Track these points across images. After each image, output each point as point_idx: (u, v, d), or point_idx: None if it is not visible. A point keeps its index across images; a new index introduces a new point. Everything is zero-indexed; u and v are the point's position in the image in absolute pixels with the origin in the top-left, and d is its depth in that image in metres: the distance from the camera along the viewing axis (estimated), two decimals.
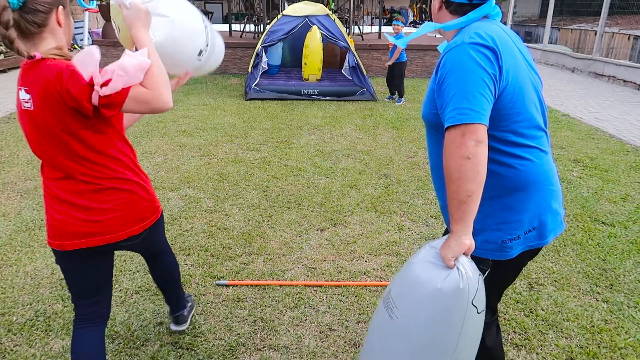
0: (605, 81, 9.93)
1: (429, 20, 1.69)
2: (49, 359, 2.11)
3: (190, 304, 2.30)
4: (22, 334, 2.25)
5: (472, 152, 1.26)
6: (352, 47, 7.69)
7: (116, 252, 2.95)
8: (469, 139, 1.26)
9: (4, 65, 9.23)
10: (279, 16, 7.65)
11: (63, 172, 1.51)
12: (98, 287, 1.71)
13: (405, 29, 14.77)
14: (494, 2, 1.47)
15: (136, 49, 1.51)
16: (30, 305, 2.46)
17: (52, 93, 1.37)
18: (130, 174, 1.61)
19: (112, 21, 1.75)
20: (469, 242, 1.33)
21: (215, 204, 3.69)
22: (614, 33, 14.89)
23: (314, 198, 3.84)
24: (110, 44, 9.35)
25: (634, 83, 9.07)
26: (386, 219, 3.53)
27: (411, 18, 18.13)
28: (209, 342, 2.23)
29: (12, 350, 2.15)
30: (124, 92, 1.40)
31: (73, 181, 1.52)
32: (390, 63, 7.19)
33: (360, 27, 10.80)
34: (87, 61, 1.39)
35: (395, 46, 7.00)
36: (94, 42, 10.83)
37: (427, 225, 3.43)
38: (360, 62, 7.61)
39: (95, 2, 12.08)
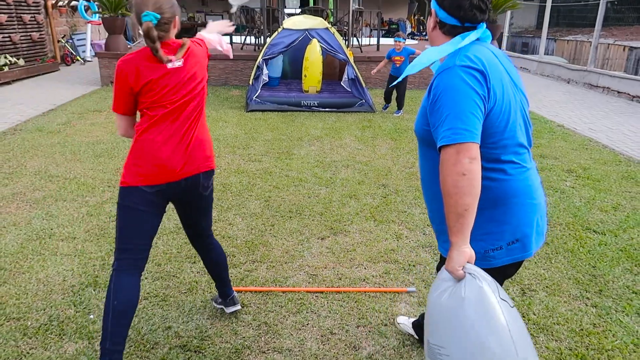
0: (599, 92, 10.10)
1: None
2: None
3: None
4: (37, 338, 2.35)
5: (467, 168, 1.38)
6: (351, 60, 7.85)
7: None
8: (463, 157, 1.38)
9: (9, 77, 9.38)
10: (280, 29, 7.82)
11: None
12: (153, 235, 2.12)
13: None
14: (485, 25, 1.60)
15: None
16: (44, 310, 2.57)
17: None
18: None
19: None
20: (469, 250, 1.45)
21: (219, 214, 3.80)
22: (609, 44, 15.12)
23: (315, 208, 3.96)
24: (112, 56, 9.51)
25: (628, 94, 9.24)
26: (384, 227, 3.65)
27: (409, 30, 18.37)
28: (216, 345, 2.34)
29: (28, 353, 2.26)
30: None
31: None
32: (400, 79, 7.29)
33: (359, 39, 10.99)
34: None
35: (404, 62, 7.10)
36: (96, 54, 10.99)
37: (424, 234, 3.55)
38: (359, 74, 7.77)
39: (97, 15, 12.30)
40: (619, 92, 9.52)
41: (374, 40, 11.54)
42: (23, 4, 10.53)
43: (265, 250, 3.26)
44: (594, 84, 10.38)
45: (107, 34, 10.04)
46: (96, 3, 11.67)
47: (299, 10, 12.60)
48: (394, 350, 2.34)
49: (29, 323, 2.46)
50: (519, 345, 1.37)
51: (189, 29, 17.39)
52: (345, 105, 7.64)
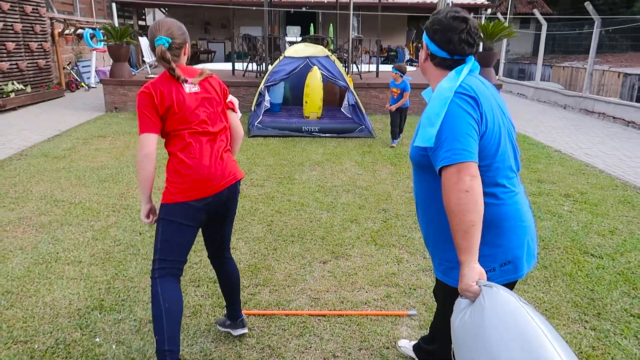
0: (595, 118, 10.26)
1: None
2: None
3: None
4: None
5: (469, 185, 1.45)
6: (351, 86, 8.02)
7: (128, 283, 3.12)
8: (465, 175, 1.46)
9: (15, 103, 9.55)
10: (281, 57, 8.01)
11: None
12: (190, 248, 2.26)
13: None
14: (473, 58, 1.71)
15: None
16: (51, 333, 2.60)
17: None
18: None
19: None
20: (479, 266, 1.49)
21: None
22: (604, 71, 15.41)
23: (317, 232, 4.02)
24: (116, 83, 9.69)
25: (623, 119, 9.39)
26: (385, 251, 3.71)
27: (407, 56, 18.70)
28: None
29: None
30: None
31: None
32: (393, 108, 7.12)
33: (359, 66, 11.21)
34: None
35: (401, 93, 7.03)
36: (100, 81, 11.19)
37: (424, 258, 3.61)
38: (359, 100, 7.92)
39: (103, 42, 12.57)
40: (614, 118, 9.68)
41: (373, 67, 11.77)
42: (31, 32, 10.78)
43: (268, 274, 3.31)
44: (590, 110, 10.55)
45: (111, 61, 10.25)
46: (102, 31, 11.96)
47: (300, 39, 12.88)
48: None
49: (36, 346, 2.50)
50: (560, 352, 1.26)
51: (191, 56, 17.72)
52: (346, 131, 7.76)
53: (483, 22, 11.15)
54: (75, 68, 13.18)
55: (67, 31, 12.77)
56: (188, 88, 2.16)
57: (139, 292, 3.03)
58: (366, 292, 3.12)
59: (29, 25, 10.70)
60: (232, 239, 3.84)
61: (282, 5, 16.45)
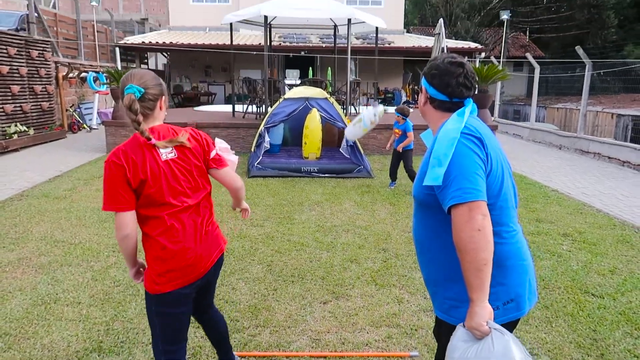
0: (591, 158, 10.39)
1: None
2: None
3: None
4: None
5: (481, 224, 1.48)
6: None
7: (127, 325, 3.10)
8: (476, 214, 1.49)
9: (17, 145, 9.66)
10: (281, 99, 8.19)
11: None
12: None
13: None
14: (472, 100, 1.78)
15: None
16: None
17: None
18: None
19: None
20: (489, 306, 1.51)
21: (222, 279, 3.85)
22: (597, 112, 15.72)
23: (317, 272, 4.02)
24: (119, 125, 9.84)
25: (618, 159, 9.51)
26: (386, 291, 3.69)
27: (404, 98, 19.09)
28: None
29: None
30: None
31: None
32: (400, 148, 7.02)
33: (357, 107, 11.43)
34: None
35: (403, 134, 7.03)
36: (102, 122, 11.38)
37: (425, 298, 3.59)
38: (357, 141, 8.04)
39: (105, 85, 12.85)
40: (609, 158, 9.81)
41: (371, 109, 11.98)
42: (36, 75, 11.04)
43: (269, 315, 3.29)
44: (585, 150, 10.70)
45: (113, 103, 10.45)
46: (105, 74, 12.25)
47: (299, 82, 13.19)
48: None
49: None
50: None
51: (192, 98, 18.07)
52: (344, 171, 7.85)
53: (477, 66, 11.47)
54: (78, 110, 13.41)
55: (71, 74, 13.07)
56: (164, 155, 1.91)
57: (138, 333, 3.01)
58: (367, 332, 3.10)
59: (34, 68, 10.96)
60: (232, 280, 3.83)
61: (281, 49, 16.92)
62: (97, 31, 17.60)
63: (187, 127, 2.06)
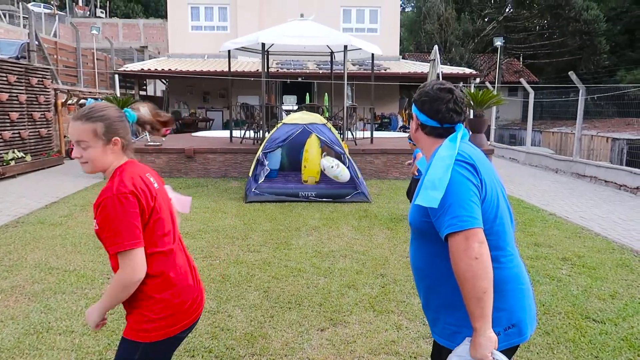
0: (587, 181, 10.42)
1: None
2: None
3: None
4: None
5: (478, 252, 1.47)
6: (347, 152, 8.19)
7: None
8: (473, 242, 1.48)
9: (15, 171, 9.65)
10: (279, 125, 8.24)
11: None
12: None
13: (394, 134, 15.65)
14: (462, 125, 1.79)
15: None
16: None
17: None
18: None
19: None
20: (494, 335, 1.48)
21: (218, 305, 3.80)
22: (592, 135, 15.84)
23: (314, 298, 3.97)
24: None
25: (615, 183, 9.54)
26: (384, 318, 3.64)
27: (400, 123, 19.23)
28: None
29: None
30: None
31: None
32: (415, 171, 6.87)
33: (354, 133, 11.50)
34: None
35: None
36: None
37: (424, 324, 3.54)
38: (354, 165, 8.06)
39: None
40: (606, 181, 9.84)
41: (368, 134, 12.07)
42: (35, 102, 11.11)
43: (265, 343, 3.23)
44: (581, 174, 10.74)
45: None
46: (104, 100, 12.31)
47: (296, 107, 13.31)
48: None
49: None
50: None
51: (190, 124, 18.17)
52: (342, 196, 7.84)
53: (472, 91, 11.60)
54: None
55: (70, 101, 13.16)
56: (155, 184, 1.84)
57: None
58: None
59: (33, 96, 11.04)
60: (228, 307, 3.78)
61: (279, 75, 17.12)
62: (97, 59, 17.83)
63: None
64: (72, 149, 1.75)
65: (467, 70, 18.66)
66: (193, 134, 15.42)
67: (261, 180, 7.88)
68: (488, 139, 14.51)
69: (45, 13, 26.92)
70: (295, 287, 4.21)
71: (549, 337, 3.36)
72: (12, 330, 3.33)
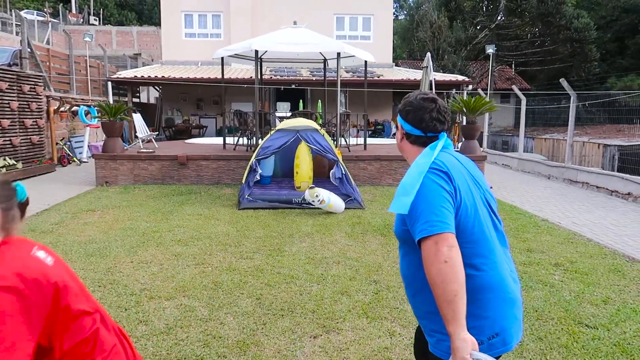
0: (579, 187, 10.48)
1: None
2: None
3: None
4: None
5: (447, 256, 1.48)
6: (340, 159, 8.19)
7: None
8: (442, 246, 1.50)
9: (6, 178, 9.56)
10: (272, 131, 8.24)
11: None
12: None
13: (388, 141, 15.70)
14: (445, 134, 1.81)
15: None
16: None
17: None
18: None
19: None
20: (470, 337, 1.48)
21: (210, 313, 3.77)
22: (584, 142, 15.96)
23: (307, 305, 3.95)
24: (108, 158, 9.81)
25: (607, 189, 9.60)
26: (377, 324, 3.62)
27: (393, 130, 19.31)
28: None
29: None
30: None
31: None
32: None
33: (347, 139, 11.52)
34: None
35: None
36: (93, 156, 11.33)
37: None
38: (348, 172, 8.07)
39: (96, 119, 12.87)
40: (597, 187, 9.90)
41: (361, 140, 12.10)
42: (27, 109, 11.05)
43: (257, 350, 3.21)
44: (574, 180, 10.81)
45: (104, 136, 10.44)
46: (96, 108, 12.29)
47: (289, 114, 13.32)
48: None
49: None
50: None
51: (183, 131, 18.15)
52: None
53: (465, 98, 11.67)
54: (68, 143, 13.38)
55: (62, 108, 13.10)
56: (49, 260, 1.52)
57: None
58: None
59: (25, 103, 10.98)
60: (220, 314, 3.75)
61: (272, 82, 17.14)
62: (90, 66, 17.78)
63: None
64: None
65: (460, 78, 18.78)
66: (186, 140, 15.39)
67: (251, 186, 7.86)
68: (481, 146, 14.58)
69: (38, 20, 26.89)
70: (288, 294, 4.19)
71: (542, 342, 3.36)
72: None
